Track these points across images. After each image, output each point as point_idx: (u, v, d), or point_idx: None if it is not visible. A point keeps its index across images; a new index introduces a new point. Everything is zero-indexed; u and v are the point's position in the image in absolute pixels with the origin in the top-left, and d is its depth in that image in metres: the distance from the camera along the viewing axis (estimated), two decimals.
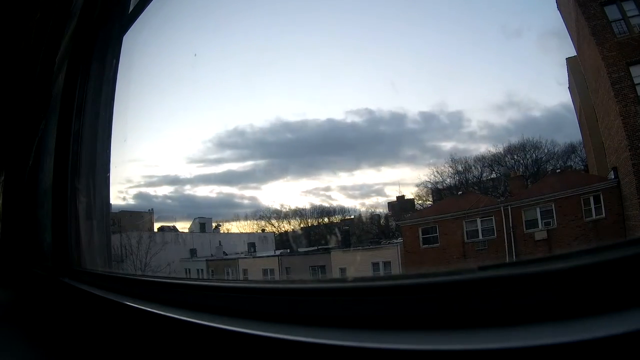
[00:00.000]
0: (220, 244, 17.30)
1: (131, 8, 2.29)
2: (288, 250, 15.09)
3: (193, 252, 16.96)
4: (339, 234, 15.09)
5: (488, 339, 0.47)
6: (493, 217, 9.56)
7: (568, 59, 9.86)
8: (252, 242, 17.71)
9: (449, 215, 10.43)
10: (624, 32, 5.72)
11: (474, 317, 0.50)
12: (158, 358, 1.06)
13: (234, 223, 20.21)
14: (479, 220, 9.83)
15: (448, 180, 13.66)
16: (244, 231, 19.29)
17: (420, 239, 10.62)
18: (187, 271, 15.23)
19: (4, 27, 2.89)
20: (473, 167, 13.23)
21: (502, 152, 12.82)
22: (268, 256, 14.72)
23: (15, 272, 3.84)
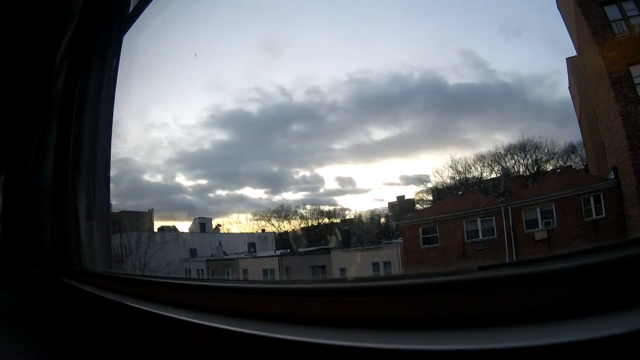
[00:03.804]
0: (220, 244, 17.29)
1: (131, 8, 2.29)
2: (288, 250, 15.08)
3: (193, 252, 16.95)
4: (339, 234, 15.09)
5: (488, 339, 0.47)
6: (493, 217, 9.56)
7: (568, 59, 9.85)
8: (252, 242, 17.71)
9: (449, 215, 10.44)
10: (624, 32, 5.72)
11: (474, 317, 0.50)
12: (158, 358, 1.06)
13: (234, 223, 20.23)
14: (479, 220, 9.83)
15: (448, 180, 13.67)
16: (244, 231, 19.30)
17: (421, 239, 10.62)
18: (187, 271, 15.22)
19: (4, 26, 2.89)
20: (473, 167, 13.23)
21: (502, 152, 12.82)
22: (268, 256, 14.71)
23: (16, 272, 3.84)
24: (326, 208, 17.40)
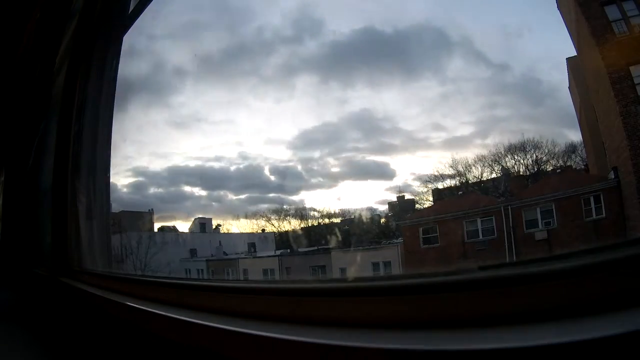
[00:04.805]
0: (220, 244, 17.26)
1: (131, 8, 2.29)
2: (288, 250, 15.05)
3: (193, 252, 16.92)
4: (339, 234, 15.06)
5: (488, 339, 0.47)
6: (493, 217, 9.54)
7: (568, 59, 9.82)
8: (252, 242, 17.66)
9: (449, 215, 10.42)
10: (624, 32, 5.72)
11: (474, 317, 0.50)
12: (158, 358, 1.06)
13: (234, 223, 20.06)
14: (479, 220, 9.81)
15: (448, 180, 13.66)
16: (244, 231, 19.19)
17: (421, 239, 10.60)
18: (187, 271, 15.19)
19: (4, 26, 2.89)
20: (473, 167, 13.22)
21: (503, 151, 12.80)
22: (268, 256, 14.68)
23: (15, 272, 3.84)
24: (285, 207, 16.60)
